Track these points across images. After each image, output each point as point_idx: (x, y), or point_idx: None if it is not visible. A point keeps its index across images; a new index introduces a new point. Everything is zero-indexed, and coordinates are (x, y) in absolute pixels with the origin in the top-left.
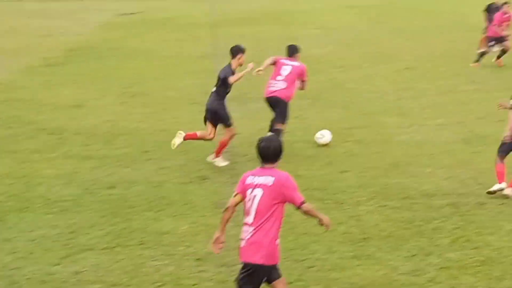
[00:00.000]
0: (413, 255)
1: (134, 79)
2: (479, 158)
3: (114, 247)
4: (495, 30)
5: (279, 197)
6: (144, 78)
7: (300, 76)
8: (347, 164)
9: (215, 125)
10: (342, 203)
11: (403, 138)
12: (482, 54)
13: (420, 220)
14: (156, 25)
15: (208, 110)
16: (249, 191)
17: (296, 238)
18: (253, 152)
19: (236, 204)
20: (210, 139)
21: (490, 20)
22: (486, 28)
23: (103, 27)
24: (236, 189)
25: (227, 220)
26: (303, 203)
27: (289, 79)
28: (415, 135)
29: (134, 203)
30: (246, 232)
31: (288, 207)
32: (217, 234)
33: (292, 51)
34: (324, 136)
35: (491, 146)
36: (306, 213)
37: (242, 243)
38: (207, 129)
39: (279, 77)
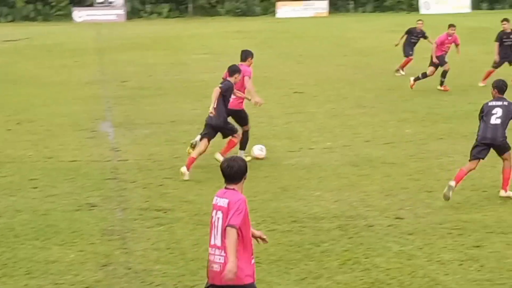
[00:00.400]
0: (303, 279)
1: (20, 106)
2: (366, 181)
3: None
4: (443, 50)
5: None
6: (31, 105)
7: (245, 75)
8: None
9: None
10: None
11: (292, 162)
12: (444, 74)
13: (309, 243)
14: (42, 51)
15: (211, 126)
16: (213, 212)
17: (186, 264)
18: (142, 178)
19: None
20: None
21: (410, 43)
22: (404, 50)
23: None
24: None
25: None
26: (230, 225)
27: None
28: (303, 159)
29: (20, 232)
30: (218, 255)
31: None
32: None
33: (244, 57)
34: (263, 150)
35: (378, 169)
36: (226, 239)
37: (215, 267)
38: (202, 145)
39: None
